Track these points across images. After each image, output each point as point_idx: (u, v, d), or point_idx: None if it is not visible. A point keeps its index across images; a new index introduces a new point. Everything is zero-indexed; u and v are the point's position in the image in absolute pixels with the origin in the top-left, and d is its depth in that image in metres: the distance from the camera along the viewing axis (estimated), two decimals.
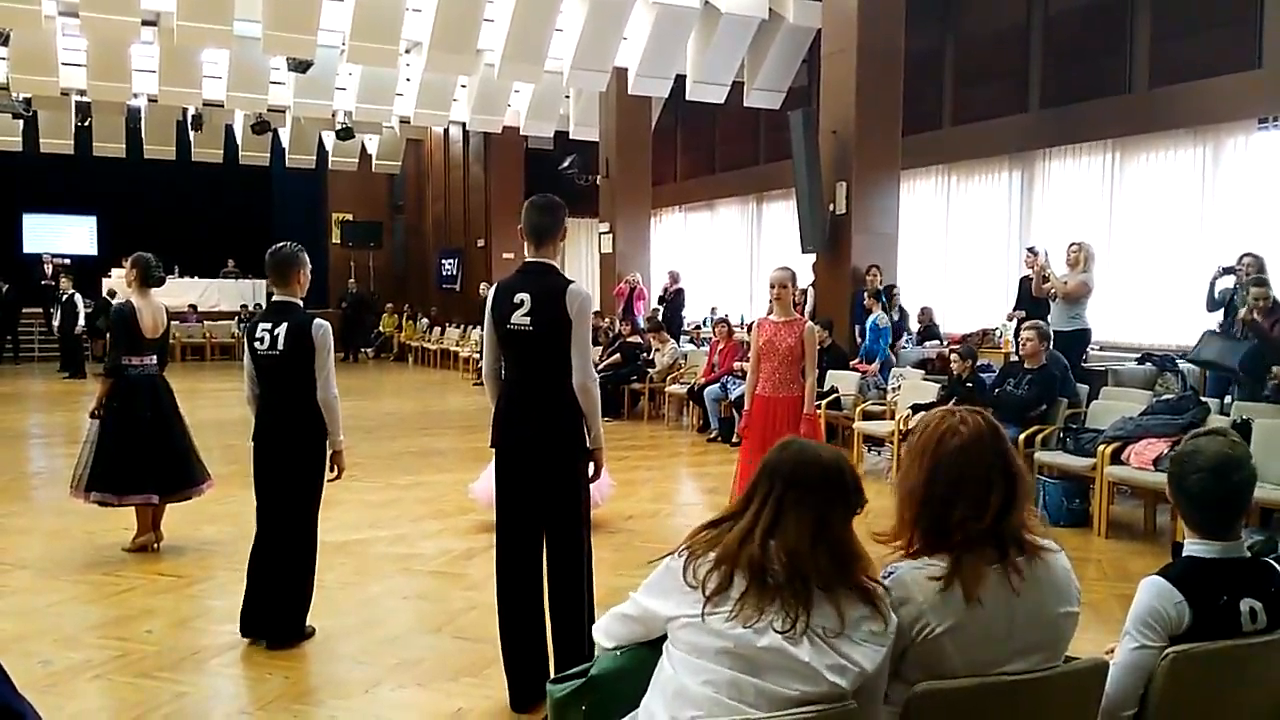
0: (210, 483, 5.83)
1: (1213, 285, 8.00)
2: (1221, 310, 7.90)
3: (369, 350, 22.45)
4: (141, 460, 5.48)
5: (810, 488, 1.98)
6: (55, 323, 17.00)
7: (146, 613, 4.68)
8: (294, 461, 4.29)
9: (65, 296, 16.47)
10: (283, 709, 3.64)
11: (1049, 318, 8.43)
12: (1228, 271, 7.87)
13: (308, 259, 4.42)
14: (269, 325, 4.23)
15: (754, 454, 5.68)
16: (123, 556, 5.56)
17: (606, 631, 2.19)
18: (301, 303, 4.35)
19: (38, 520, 6.49)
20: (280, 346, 4.19)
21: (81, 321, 16.51)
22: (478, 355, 17.01)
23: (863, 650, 1.89)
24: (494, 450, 3.72)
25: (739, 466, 5.96)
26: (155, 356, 5.67)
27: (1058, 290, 8.52)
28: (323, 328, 4.25)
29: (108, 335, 5.76)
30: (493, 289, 3.70)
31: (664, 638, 2.03)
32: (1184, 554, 2.26)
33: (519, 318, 3.52)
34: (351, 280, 22.70)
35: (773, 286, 5.77)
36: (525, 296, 3.52)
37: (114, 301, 6.12)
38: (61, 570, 5.31)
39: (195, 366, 19.39)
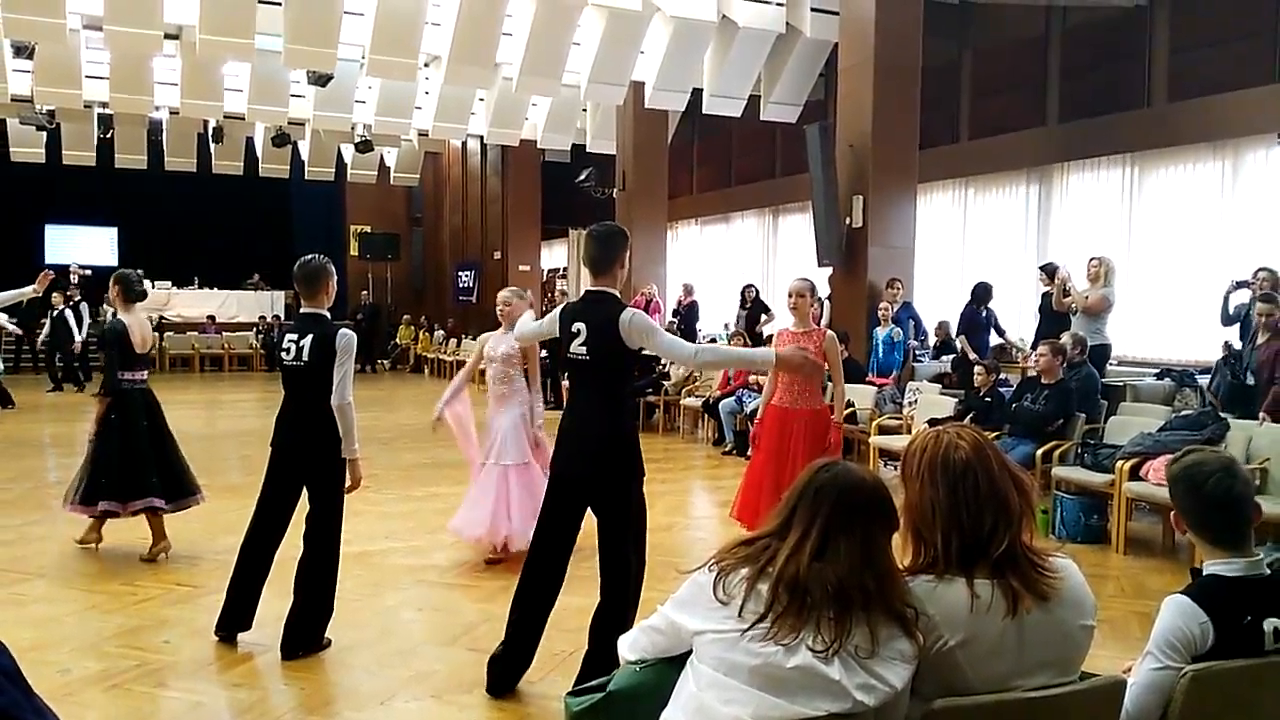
0: (202, 495, 5.97)
1: (1226, 299, 7.96)
2: (1237, 325, 7.85)
3: (385, 361, 22.54)
4: (144, 468, 5.63)
5: (857, 511, 2.01)
6: (41, 337, 16.14)
7: (164, 622, 4.71)
8: (316, 474, 4.32)
9: (55, 312, 15.64)
10: None
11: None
12: (1242, 285, 7.81)
13: (334, 270, 4.48)
14: (295, 336, 4.30)
15: (766, 466, 5.57)
16: (140, 566, 5.59)
17: (632, 644, 2.19)
18: (329, 314, 4.41)
19: (55, 529, 6.53)
20: (305, 357, 4.26)
21: (79, 337, 15.69)
22: None
23: (892, 669, 1.90)
24: (550, 471, 3.88)
25: (747, 476, 5.85)
26: (146, 371, 5.87)
27: (1078, 305, 8.49)
28: (346, 336, 4.30)
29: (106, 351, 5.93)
30: (558, 310, 3.88)
31: (687, 654, 2.03)
32: (1206, 573, 2.25)
33: (576, 347, 3.67)
34: (365, 292, 22.83)
35: (790, 295, 5.72)
36: (581, 326, 3.66)
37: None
38: (79, 580, 5.35)
39: (213, 377, 19.51)
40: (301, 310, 4.44)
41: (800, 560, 1.95)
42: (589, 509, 3.76)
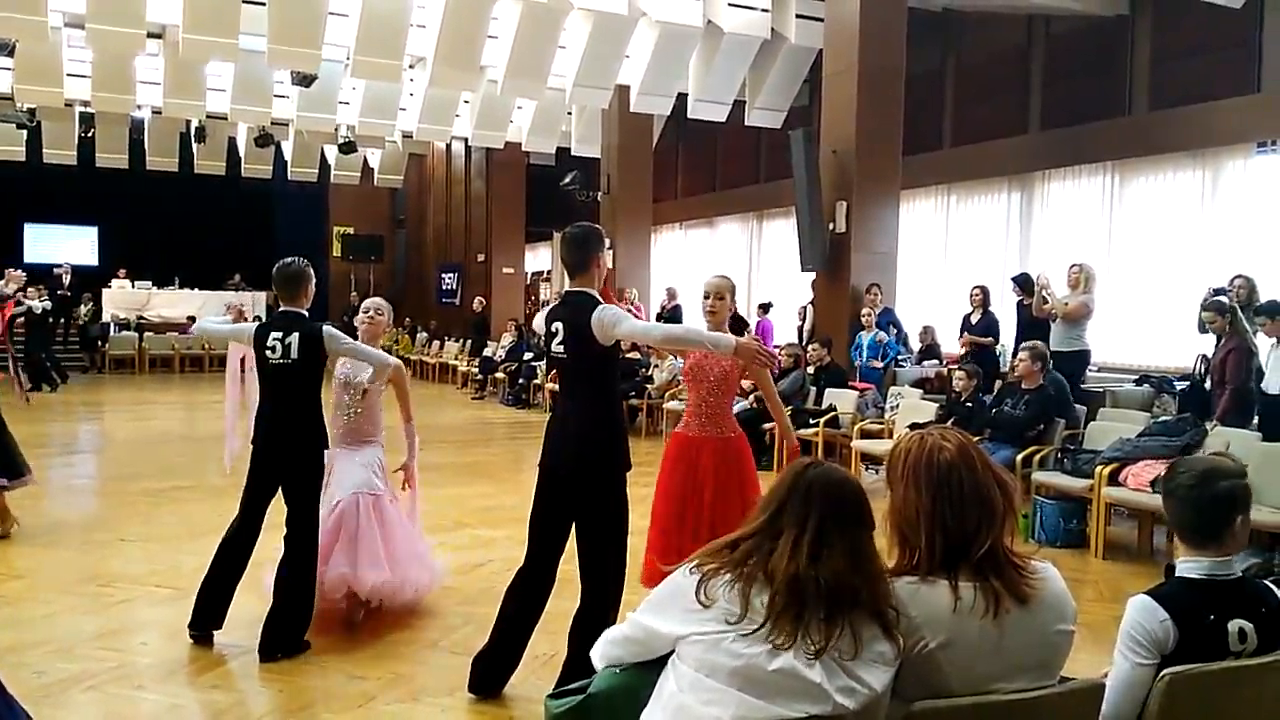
0: (26, 479, 6.38)
1: (1203, 307, 8.03)
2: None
3: None
4: None
5: (846, 511, 2.02)
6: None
7: (142, 624, 4.68)
8: (294, 475, 4.33)
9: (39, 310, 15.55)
10: None
11: (1050, 338, 8.47)
12: (1219, 293, 7.89)
13: (314, 274, 4.50)
14: (280, 335, 4.29)
15: (671, 506, 4.41)
16: (120, 569, 5.56)
17: (604, 656, 2.19)
18: (308, 313, 4.41)
19: (33, 530, 6.48)
20: (294, 355, 4.27)
21: None
22: (476, 370, 17.07)
23: (873, 672, 1.92)
24: (538, 468, 3.85)
25: (657, 519, 4.47)
26: None
27: (1058, 311, 8.54)
28: (330, 332, 4.34)
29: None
30: (546, 309, 3.93)
31: (666, 656, 2.03)
32: (1176, 574, 2.30)
33: (556, 346, 3.74)
34: (354, 294, 22.75)
35: (707, 296, 4.49)
36: (559, 326, 3.73)
37: None
38: (57, 581, 5.30)
39: (194, 378, 19.37)
40: (281, 309, 4.43)
41: (799, 560, 1.96)
42: (571, 511, 3.76)
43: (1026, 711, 2.02)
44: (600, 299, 3.73)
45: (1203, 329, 8.02)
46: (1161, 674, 2.12)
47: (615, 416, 3.79)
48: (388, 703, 3.82)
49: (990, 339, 9.93)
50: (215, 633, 4.38)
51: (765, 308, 14.81)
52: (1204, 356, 7.98)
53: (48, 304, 16.13)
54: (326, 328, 4.34)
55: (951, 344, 11.59)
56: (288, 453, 4.32)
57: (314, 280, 4.47)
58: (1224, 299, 7.67)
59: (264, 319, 4.56)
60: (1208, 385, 7.58)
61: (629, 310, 3.87)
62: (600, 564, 3.67)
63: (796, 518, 2.01)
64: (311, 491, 4.34)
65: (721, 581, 1.97)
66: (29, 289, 15.24)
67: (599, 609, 3.63)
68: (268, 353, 4.32)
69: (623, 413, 3.84)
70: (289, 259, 4.45)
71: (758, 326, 13.71)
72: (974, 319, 10.13)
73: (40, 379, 15.71)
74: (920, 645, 2.00)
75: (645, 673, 2.08)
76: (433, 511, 7.15)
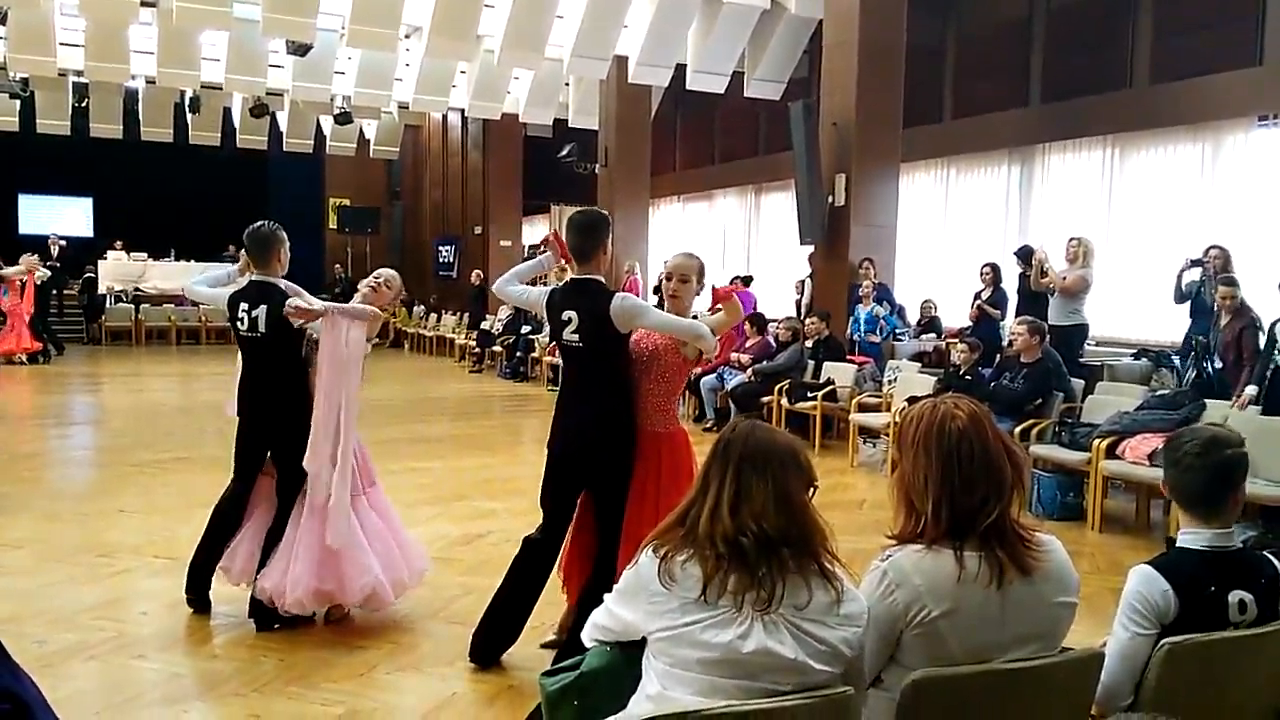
0: None
1: (1180, 277, 8.03)
2: (1189, 303, 7.92)
3: None
4: None
5: (766, 459, 2.01)
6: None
7: (141, 594, 4.69)
8: (280, 444, 4.32)
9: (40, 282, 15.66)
10: (277, 691, 3.65)
11: (1048, 312, 8.46)
12: (1195, 264, 7.89)
13: (286, 237, 4.43)
14: (248, 305, 4.26)
15: (581, 532, 3.92)
16: (118, 539, 5.56)
17: (591, 638, 2.20)
18: (281, 282, 4.36)
19: (32, 501, 6.48)
20: (261, 329, 4.24)
21: None
22: (474, 343, 17.05)
23: (840, 634, 1.93)
24: (548, 450, 3.86)
25: (576, 535, 3.93)
26: None
27: (1056, 285, 8.53)
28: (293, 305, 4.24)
29: None
30: (546, 294, 3.85)
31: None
32: (1177, 545, 2.30)
33: (569, 334, 3.69)
34: (337, 265, 22.60)
35: (669, 278, 3.89)
36: (572, 314, 3.66)
37: None
38: (56, 551, 5.31)
39: (190, 350, 19.36)
40: (253, 278, 4.40)
41: (722, 514, 1.97)
42: (585, 486, 3.79)
43: (1027, 680, 2.03)
44: (608, 285, 3.73)
45: (1181, 299, 7.97)
46: (1161, 643, 2.13)
47: (630, 405, 3.73)
48: (388, 671, 3.84)
49: (999, 312, 9.94)
50: (219, 604, 4.39)
51: (746, 280, 14.79)
52: (1193, 339, 7.92)
53: (47, 273, 16.13)
54: (289, 301, 4.26)
55: (950, 318, 11.60)
56: (269, 422, 4.33)
57: (286, 244, 4.41)
58: (1201, 268, 7.68)
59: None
60: (1213, 365, 7.48)
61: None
62: (614, 540, 3.67)
63: (719, 472, 2.03)
64: (297, 461, 4.29)
65: (679, 563, 1.96)
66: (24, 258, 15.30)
67: (609, 582, 3.63)
68: (238, 324, 4.30)
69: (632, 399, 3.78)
70: (259, 222, 4.40)
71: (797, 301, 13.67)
72: (984, 295, 10.12)
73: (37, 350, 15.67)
74: (923, 613, 2.00)
75: (636, 650, 2.08)
76: (432, 484, 7.19)
